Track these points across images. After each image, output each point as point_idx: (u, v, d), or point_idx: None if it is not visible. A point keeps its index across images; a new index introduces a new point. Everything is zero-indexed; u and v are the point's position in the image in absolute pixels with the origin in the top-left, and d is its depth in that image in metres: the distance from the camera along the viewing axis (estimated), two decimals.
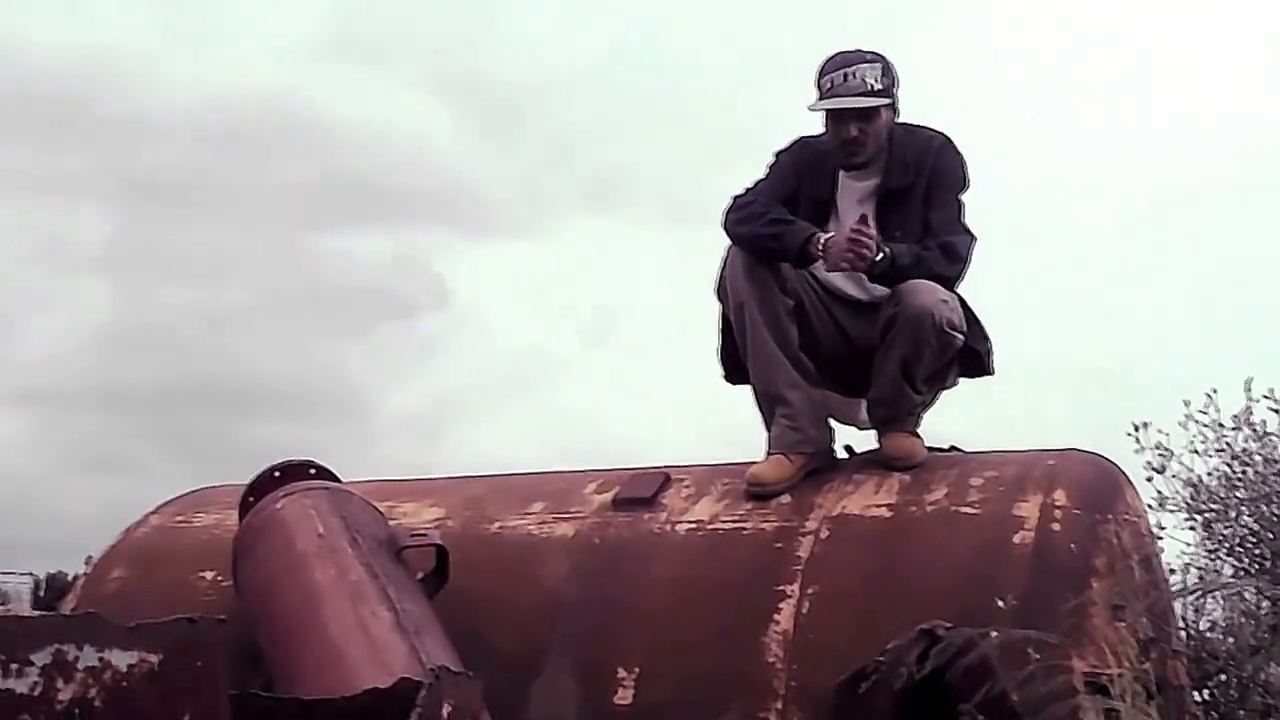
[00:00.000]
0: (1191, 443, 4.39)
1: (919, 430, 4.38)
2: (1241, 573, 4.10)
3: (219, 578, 4.62)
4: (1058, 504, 3.91)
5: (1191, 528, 4.26)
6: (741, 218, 4.36)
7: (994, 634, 3.35)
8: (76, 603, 4.83)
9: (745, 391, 4.48)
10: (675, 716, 3.89)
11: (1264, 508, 4.18)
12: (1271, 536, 4.16)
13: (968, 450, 4.42)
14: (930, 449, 4.35)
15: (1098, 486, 4.06)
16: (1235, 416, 4.42)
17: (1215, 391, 4.48)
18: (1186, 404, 4.57)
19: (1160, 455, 4.43)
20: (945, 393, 4.44)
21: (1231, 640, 3.88)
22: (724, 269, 4.40)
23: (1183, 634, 4.00)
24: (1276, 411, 4.36)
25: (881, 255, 4.20)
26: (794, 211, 4.34)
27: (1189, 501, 4.30)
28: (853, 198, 4.45)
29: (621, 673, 4.00)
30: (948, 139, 4.47)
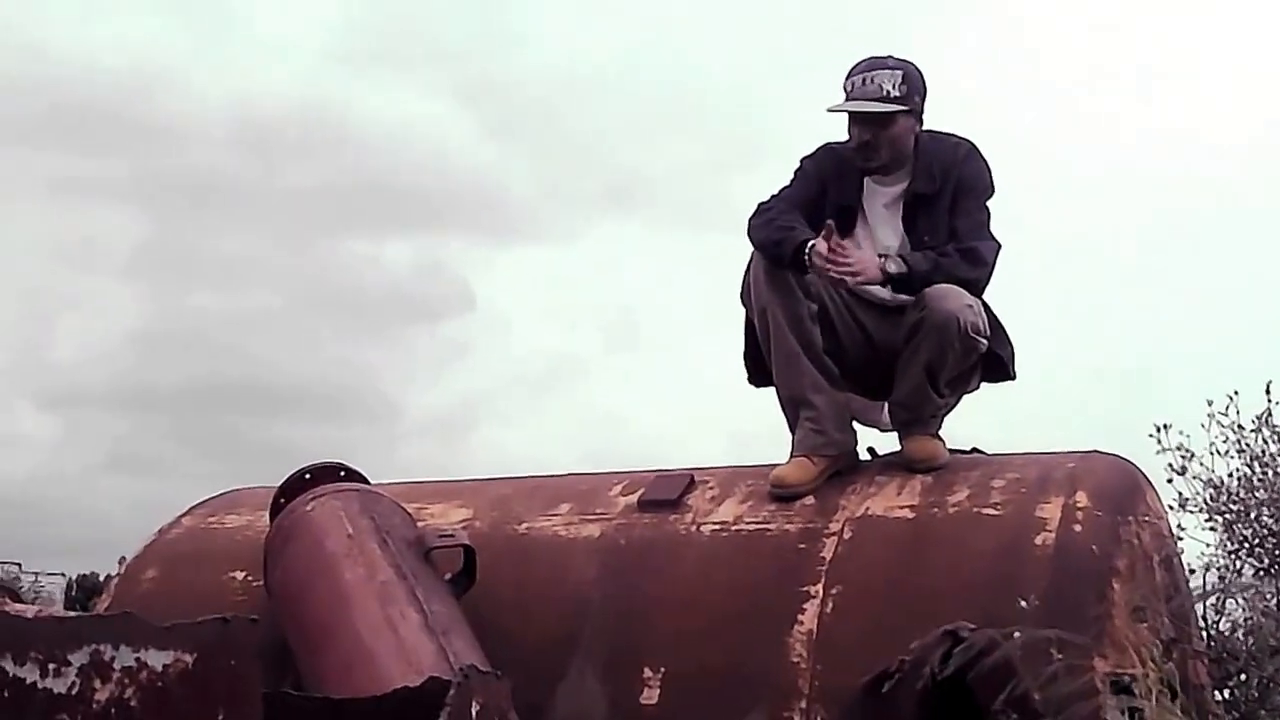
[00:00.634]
0: (1212, 444, 4.41)
1: (940, 432, 4.41)
2: (1262, 573, 4.11)
3: (250, 578, 4.69)
4: (1079, 505, 3.93)
5: (1212, 528, 4.27)
6: (758, 224, 4.41)
7: (1017, 634, 3.38)
8: (110, 603, 4.90)
9: (769, 394, 4.52)
10: (700, 716, 3.92)
11: None
12: None
13: (989, 452, 4.45)
14: (952, 451, 4.38)
15: (1119, 488, 4.08)
16: (1256, 418, 4.43)
17: (1237, 393, 4.49)
18: (1209, 403, 4.58)
19: (1182, 456, 4.45)
20: (967, 396, 4.48)
21: (1252, 640, 3.90)
22: (748, 273, 4.44)
23: (1203, 634, 4.01)
24: None
25: (896, 266, 4.24)
26: (819, 217, 4.38)
27: (1209, 502, 4.31)
28: (879, 203, 4.50)
29: (647, 672, 4.04)
30: (973, 146, 4.51)
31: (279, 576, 4.36)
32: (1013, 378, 4.49)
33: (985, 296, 4.38)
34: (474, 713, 3.30)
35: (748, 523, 4.27)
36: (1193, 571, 4.18)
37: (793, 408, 4.43)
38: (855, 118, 4.45)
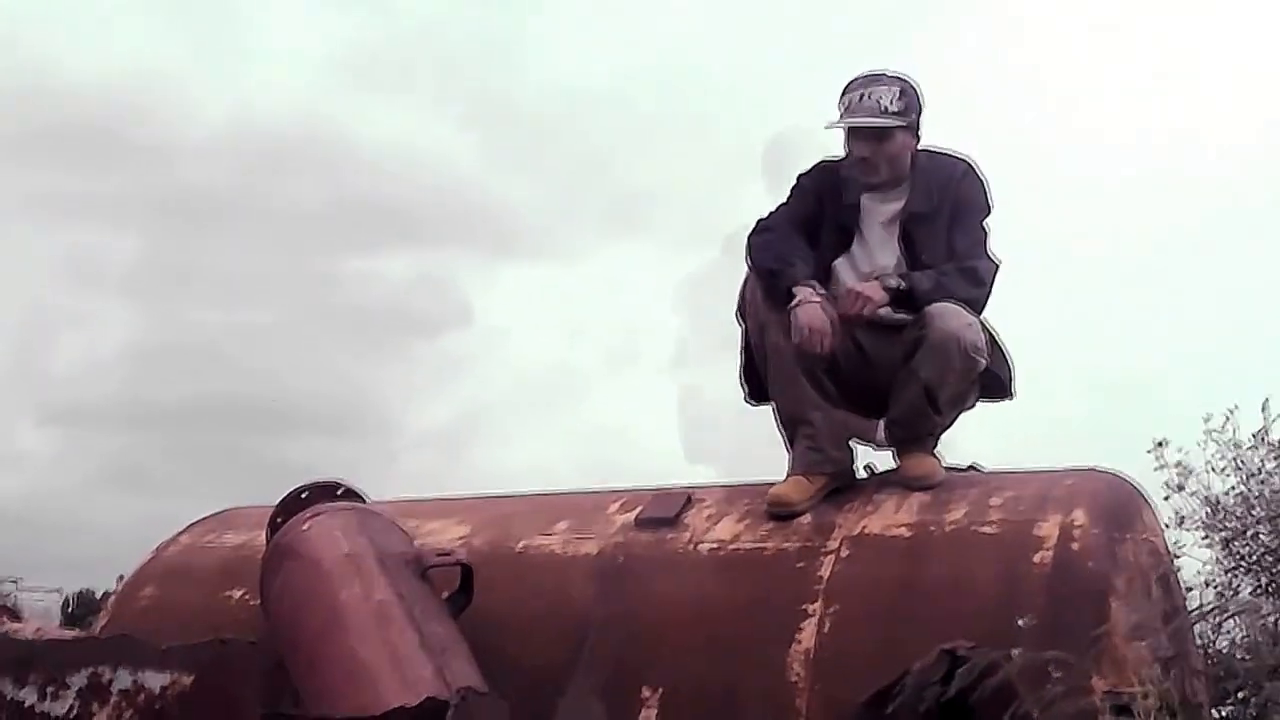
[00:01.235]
0: (1210, 461, 4.40)
1: (936, 450, 4.41)
2: (1259, 590, 4.11)
3: (247, 596, 4.68)
4: (1077, 524, 3.93)
5: (1209, 545, 4.27)
6: (759, 244, 4.43)
7: (1016, 653, 3.38)
8: (108, 620, 4.90)
9: (766, 412, 4.52)
10: None
11: None
12: None
13: (987, 469, 4.45)
14: (949, 468, 4.38)
15: (1116, 506, 4.08)
16: (1253, 435, 4.43)
17: (1235, 409, 4.49)
18: (1206, 419, 4.58)
19: (1179, 474, 4.44)
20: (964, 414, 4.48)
21: (1250, 659, 3.90)
22: (745, 291, 4.45)
23: (1202, 652, 4.01)
24: None
25: (897, 284, 4.25)
26: (817, 234, 4.38)
27: (1207, 519, 4.31)
28: (876, 221, 4.50)
29: (646, 691, 4.04)
30: (971, 165, 4.52)
31: (276, 595, 4.35)
32: (1011, 397, 4.50)
33: (984, 315, 4.38)
34: None
35: (745, 541, 4.26)
36: (1190, 589, 4.19)
37: (790, 425, 4.43)
38: (855, 133, 4.45)
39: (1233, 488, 4.37)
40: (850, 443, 4.49)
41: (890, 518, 4.15)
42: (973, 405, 4.47)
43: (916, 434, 4.36)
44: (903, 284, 4.29)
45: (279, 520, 4.51)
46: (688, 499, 4.50)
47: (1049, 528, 3.92)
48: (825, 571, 4.05)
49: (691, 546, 4.32)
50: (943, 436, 4.45)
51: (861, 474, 4.51)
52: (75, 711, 2.67)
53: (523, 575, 4.47)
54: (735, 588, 4.15)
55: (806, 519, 4.25)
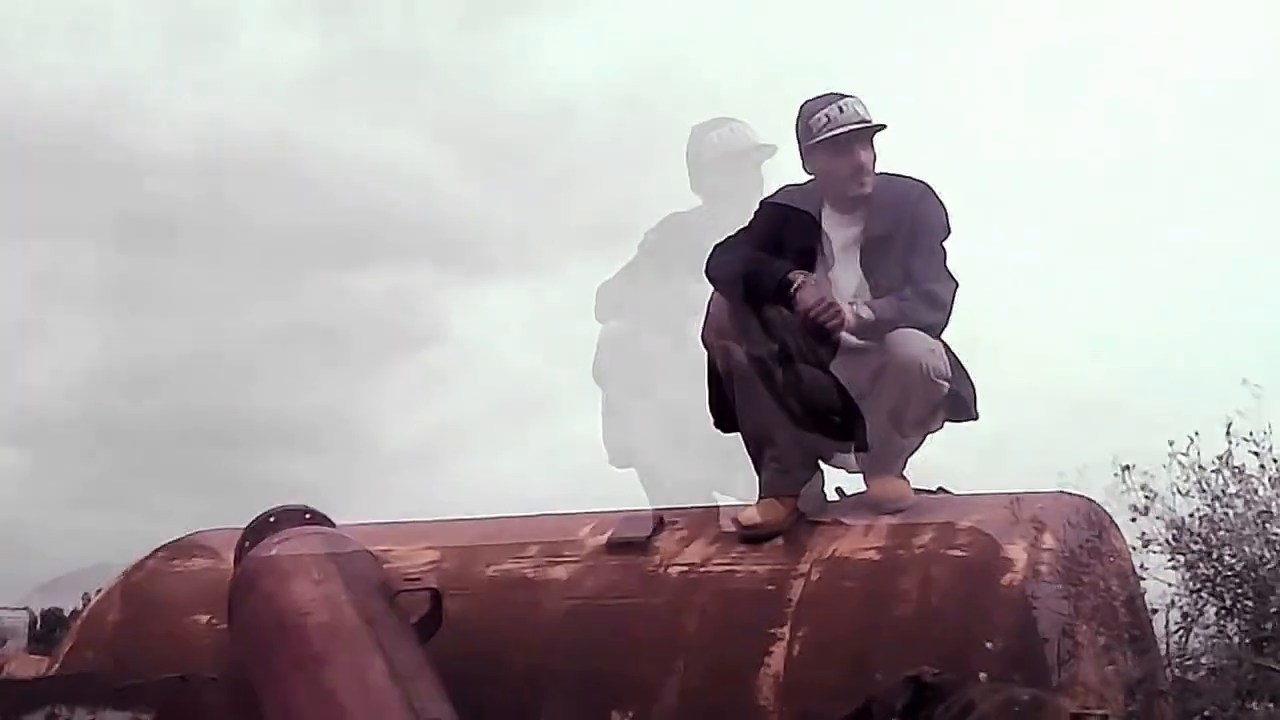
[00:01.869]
0: (1174, 484, 4.42)
1: (905, 473, 4.43)
2: (1224, 612, 4.15)
3: (214, 621, 4.64)
4: (1045, 547, 3.95)
5: (1174, 568, 4.29)
6: (723, 262, 4.42)
7: (983, 677, 3.39)
8: (72, 646, 4.84)
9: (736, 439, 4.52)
10: None
11: (1246, 548, 4.23)
12: (1254, 576, 4.21)
13: (955, 492, 4.48)
14: (918, 491, 4.40)
15: (1084, 529, 4.10)
16: (1217, 459, 4.45)
17: (1197, 434, 4.51)
18: (1171, 443, 4.59)
19: (1145, 497, 4.46)
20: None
21: (1215, 680, 3.93)
22: (708, 316, 4.44)
23: (1168, 674, 4.04)
24: (1256, 454, 4.40)
25: (866, 314, 4.27)
26: (780, 258, 4.38)
27: (1172, 542, 4.33)
28: (837, 245, 4.52)
29: (615, 716, 4.03)
30: (928, 187, 4.54)
31: (243, 622, 4.32)
32: (975, 417, 4.52)
33: (946, 337, 4.41)
34: None
35: (716, 564, 4.27)
36: (1155, 611, 4.21)
37: (756, 448, 4.44)
38: (844, 143, 4.46)
39: (1197, 509, 4.40)
40: (818, 464, 4.50)
41: (859, 541, 4.17)
42: (939, 427, 4.50)
43: (884, 457, 4.37)
44: (870, 314, 4.31)
45: (246, 545, 4.49)
46: (660, 521, 4.51)
47: (1017, 551, 3.93)
48: (795, 595, 4.05)
49: (663, 569, 4.32)
50: (911, 459, 4.48)
51: (832, 496, 4.52)
52: None
53: (493, 600, 4.46)
54: (705, 611, 4.15)
55: (777, 542, 4.26)
